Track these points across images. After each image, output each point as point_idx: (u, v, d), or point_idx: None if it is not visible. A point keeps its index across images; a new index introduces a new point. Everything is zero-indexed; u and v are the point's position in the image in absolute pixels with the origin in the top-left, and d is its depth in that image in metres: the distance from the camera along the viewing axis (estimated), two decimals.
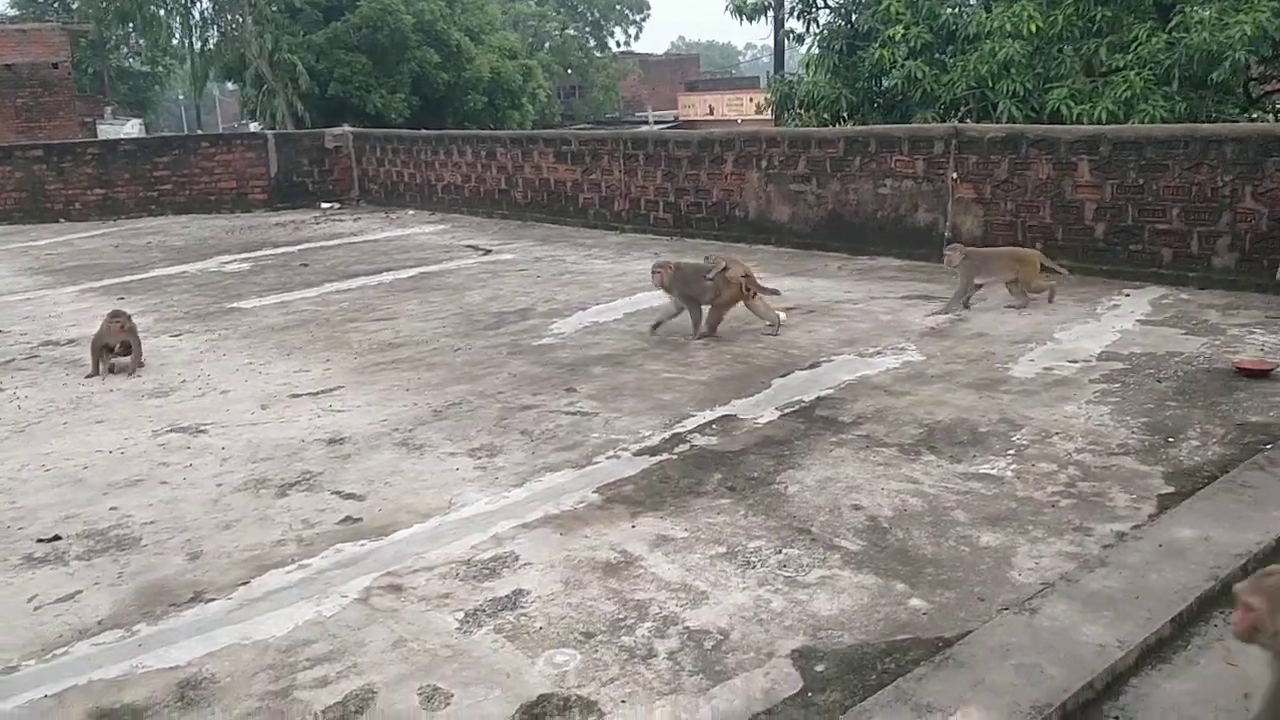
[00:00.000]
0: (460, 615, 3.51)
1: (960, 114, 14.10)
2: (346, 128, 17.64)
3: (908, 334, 6.87)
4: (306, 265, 10.95)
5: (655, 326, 7.21)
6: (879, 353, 6.44)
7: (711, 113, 41.68)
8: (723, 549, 3.87)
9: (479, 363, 6.76)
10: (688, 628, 3.34)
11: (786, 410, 5.42)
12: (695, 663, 3.14)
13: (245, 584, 3.82)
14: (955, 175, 9.37)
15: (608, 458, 4.93)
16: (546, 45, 43.37)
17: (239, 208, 16.57)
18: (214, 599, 3.73)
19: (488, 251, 11.47)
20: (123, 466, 5.11)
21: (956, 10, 15.15)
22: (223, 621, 3.58)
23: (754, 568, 3.72)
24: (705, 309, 7.02)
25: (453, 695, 3.05)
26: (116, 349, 6.88)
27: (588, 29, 49.80)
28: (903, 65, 14.19)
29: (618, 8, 50.50)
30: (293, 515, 4.42)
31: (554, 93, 38.04)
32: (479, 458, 5.02)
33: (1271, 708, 2.50)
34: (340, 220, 14.96)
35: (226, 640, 3.44)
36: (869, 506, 4.18)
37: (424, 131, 16.81)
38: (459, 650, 3.29)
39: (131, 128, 29.48)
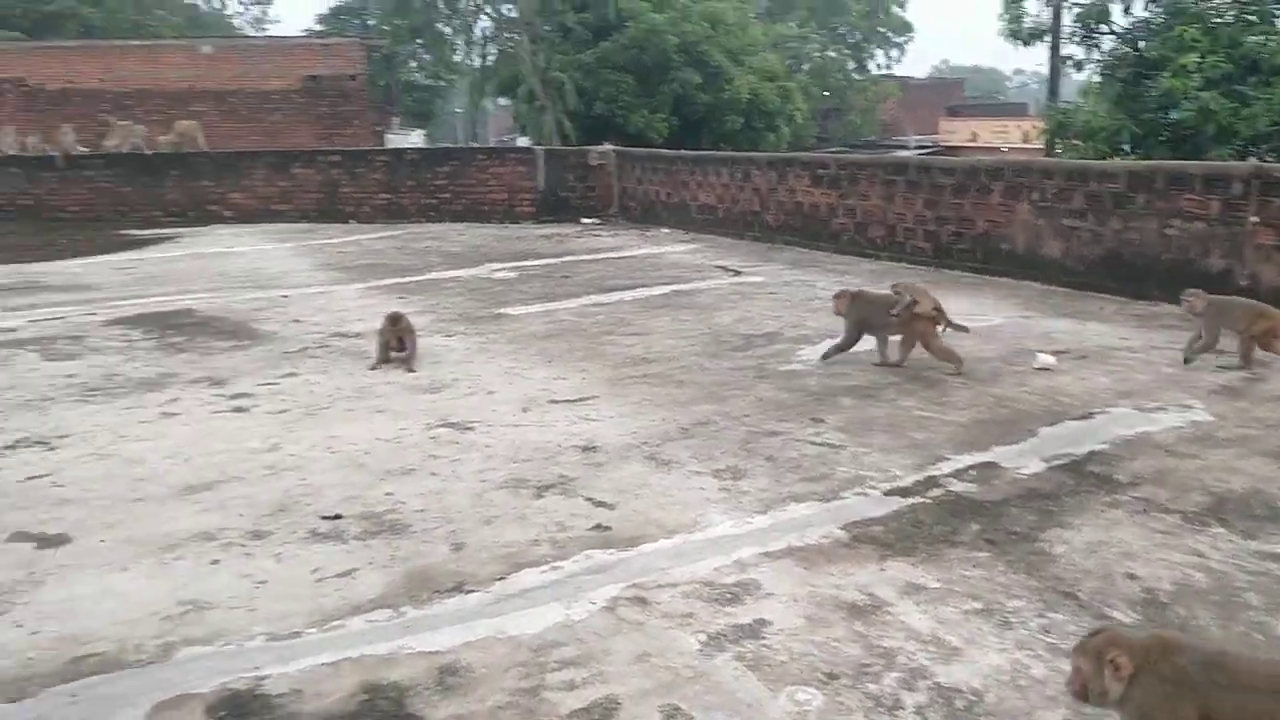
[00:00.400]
0: (703, 637, 3.53)
1: (1261, 151, 12.89)
2: (609, 146, 18.29)
3: (1194, 390, 6.30)
4: (568, 277, 11.43)
5: (827, 355, 7.13)
6: (1161, 408, 5.93)
7: (974, 139, 40.12)
8: (978, 605, 3.69)
9: (726, 384, 6.80)
10: (938, 683, 3.20)
11: (1054, 462, 5.10)
12: None
13: (502, 579, 4.01)
14: (1256, 219, 8.53)
15: (855, 494, 4.82)
16: (806, 67, 43.23)
17: (508, 218, 17.55)
18: (473, 591, 3.93)
19: (738, 273, 11.54)
20: (398, 455, 5.50)
21: (1263, 39, 13.87)
22: (480, 614, 3.77)
23: (1012, 629, 3.51)
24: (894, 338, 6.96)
25: (694, 718, 3.07)
26: (394, 345, 7.45)
27: (848, 51, 49.18)
28: (1195, 97, 13.14)
29: (880, 30, 49.61)
30: (548, 517, 4.60)
31: (811, 115, 37.81)
32: (724, 479, 5.04)
33: None
34: (599, 236, 15.53)
35: (483, 632, 3.62)
36: (1145, 577, 3.85)
37: (683, 152, 17.18)
38: (700, 672, 3.31)
39: (415, 138, 31.92)
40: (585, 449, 5.49)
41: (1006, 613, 3.62)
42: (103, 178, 18.91)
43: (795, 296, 9.93)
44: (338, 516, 4.68)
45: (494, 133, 60.13)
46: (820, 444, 5.53)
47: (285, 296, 10.47)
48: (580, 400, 6.45)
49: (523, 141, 29.04)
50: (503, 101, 39.50)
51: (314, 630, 3.67)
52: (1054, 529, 4.32)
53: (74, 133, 19.70)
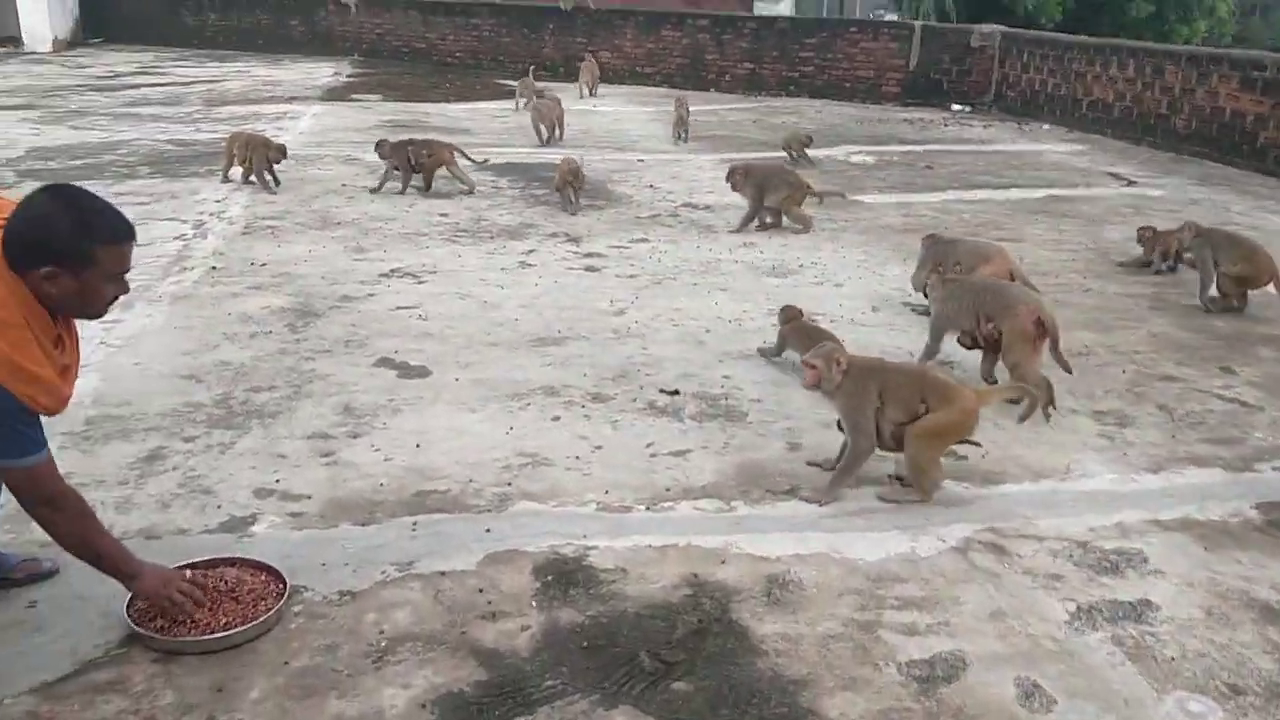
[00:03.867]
0: (1072, 607, 3.04)
1: None
2: (995, 26, 16.61)
3: None
4: (930, 168, 10.56)
5: (738, 229, 7.51)
6: None
7: None
8: None
9: (1112, 310, 5.96)
10: None
11: None
12: None
13: None
14: None
15: (1274, 469, 4.01)
16: None
17: (870, 98, 16.56)
18: (808, 499, 3.65)
19: (1131, 183, 10.14)
20: (738, 338, 5.27)
21: None
22: (815, 525, 3.49)
23: None
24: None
25: (1056, 702, 2.63)
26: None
27: None
28: None
29: None
30: None
31: (1237, 8, 32.56)
32: (1105, 424, 4.38)
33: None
34: (969, 125, 14.27)
35: (817, 547, 3.34)
36: None
37: (1081, 38, 15.25)
38: (1067, 649, 2.85)
39: (784, 7, 30.91)
40: (941, 362, 4.97)
41: None
42: (487, 27, 19.90)
43: (1203, 219, 8.52)
44: (676, 392, 4.55)
45: (861, 9, 57.40)
46: (1230, 400, 4.68)
47: (641, 161, 10.46)
48: None
49: (890, 17, 27.24)
50: None
51: (643, 508, 3.56)
52: None
53: None
